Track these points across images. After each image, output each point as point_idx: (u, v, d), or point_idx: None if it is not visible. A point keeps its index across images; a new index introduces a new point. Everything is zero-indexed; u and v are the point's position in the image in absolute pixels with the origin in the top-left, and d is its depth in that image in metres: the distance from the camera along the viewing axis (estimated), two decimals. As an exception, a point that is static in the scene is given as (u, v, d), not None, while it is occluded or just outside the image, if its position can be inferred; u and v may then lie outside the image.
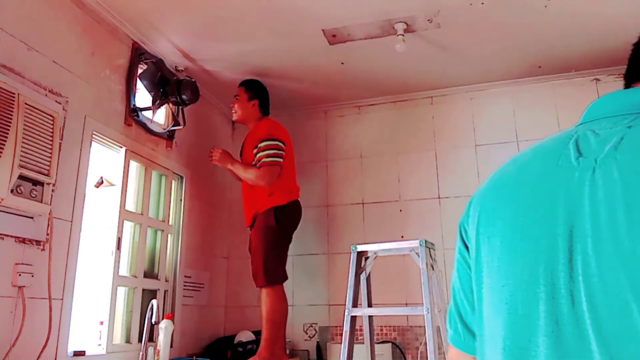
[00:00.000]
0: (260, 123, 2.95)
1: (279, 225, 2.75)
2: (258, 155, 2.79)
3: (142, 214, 2.73)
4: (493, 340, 0.65)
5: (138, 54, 2.74)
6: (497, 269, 0.67)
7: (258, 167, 2.78)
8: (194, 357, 2.74)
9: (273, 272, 2.70)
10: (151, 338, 2.54)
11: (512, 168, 0.74)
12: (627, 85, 0.74)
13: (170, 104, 2.88)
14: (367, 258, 2.39)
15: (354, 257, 2.33)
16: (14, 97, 1.83)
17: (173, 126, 2.98)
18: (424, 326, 2.12)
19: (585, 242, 0.57)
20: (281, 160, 2.80)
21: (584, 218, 0.58)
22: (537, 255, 0.61)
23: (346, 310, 2.25)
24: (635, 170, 0.55)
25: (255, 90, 3.01)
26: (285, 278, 2.77)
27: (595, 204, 0.57)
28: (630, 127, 0.60)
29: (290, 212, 2.83)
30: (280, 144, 2.82)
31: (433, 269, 2.28)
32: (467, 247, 0.76)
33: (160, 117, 3.01)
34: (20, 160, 1.82)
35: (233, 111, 3.03)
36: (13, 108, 1.82)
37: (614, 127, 0.62)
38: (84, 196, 2.28)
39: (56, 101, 2.12)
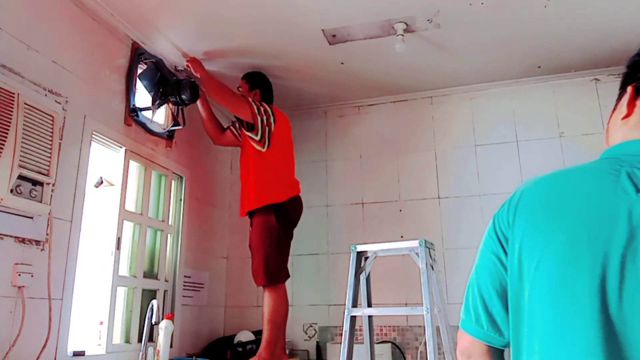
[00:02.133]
0: None
1: (280, 224, 2.73)
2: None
3: (141, 214, 2.73)
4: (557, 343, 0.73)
5: (138, 54, 2.74)
6: (558, 279, 0.74)
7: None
8: (194, 357, 2.74)
9: (274, 272, 2.69)
10: (151, 338, 2.54)
11: (563, 185, 0.81)
12: None
13: (170, 104, 2.88)
14: (366, 258, 2.39)
15: (353, 257, 2.33)
16: (13, 97, 1.83)
17: (173, 126, 2.98)
18: (424, 326, 2.12)
19: None
20: (259, 117, 2.76)
21: None
22: (599, 268, 0.70)
23: (346, 310, 2.25)
24: None
25: (255, 80, 3.03)
26: (287, 277, 2.76)
27: None
28: None
29: (290, 209, 2.82)
30: (269, 111, 2.83)
31: (433, 269, 2.28)
32: (504, 250, 0.83)
33: (159, 117, 3.00)
34: (19, 160, 1.82)
35: None
36: (13, 108, 1.82)
37: None
38: (84, 196, 2.28)
39: (56, 101, 2.12)
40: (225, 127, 3.15)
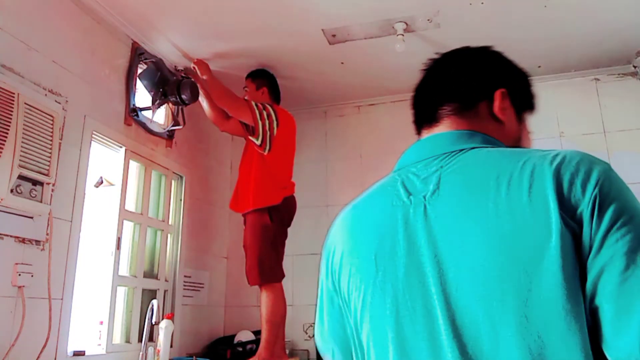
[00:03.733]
0: None
1: (274, 223, 2.73)
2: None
3: (141, 214, 2.73)
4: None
5: (138, 53, 2.74)
6: (365, 300, 0.76)
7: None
8: (194, 357, 2.74)
9: (269, 271, 2.68)
10: (151, 338, 2.54)
11: (354, 213, 0.87)
12: (418, 130, 0.94)
13: (170, 104, 2.88)
14: (366, 258, 2.39)
15: (353, 257, 2.33)
16: (13, 97, 1.83)
17: (173, 126, 2.98)
18: (424, 326, 2.12)
19: (432, 266, 0.68)
20: (260, 122, 2.72)
21: (424, 245, 0.70)
22: (394, 284, 0.72)
23: (346, 310, 2.24)
24: (455, 203, 0.69)
25: (262, 78, 3.02)
26: (283, 276, 2.76)
27: (432, 234, 0.70)
28: (442, 167, 0.74)
29: (285, 209, 2.81)
30: (272, 115, 2.79)
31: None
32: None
33: (160, 117, 3.00)
34: (19, 160, 1.82)
35: None
36: (13, 108, 1.82)
37: (429, 168, 0.76)
38: (84, 196, 2.28)
39: (56, 101, 2.12)
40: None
